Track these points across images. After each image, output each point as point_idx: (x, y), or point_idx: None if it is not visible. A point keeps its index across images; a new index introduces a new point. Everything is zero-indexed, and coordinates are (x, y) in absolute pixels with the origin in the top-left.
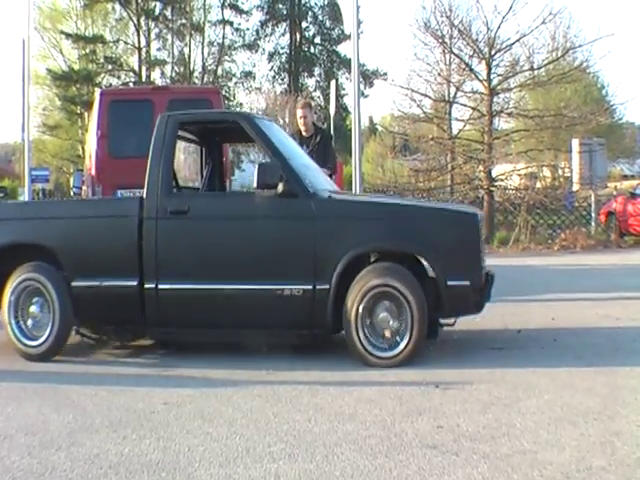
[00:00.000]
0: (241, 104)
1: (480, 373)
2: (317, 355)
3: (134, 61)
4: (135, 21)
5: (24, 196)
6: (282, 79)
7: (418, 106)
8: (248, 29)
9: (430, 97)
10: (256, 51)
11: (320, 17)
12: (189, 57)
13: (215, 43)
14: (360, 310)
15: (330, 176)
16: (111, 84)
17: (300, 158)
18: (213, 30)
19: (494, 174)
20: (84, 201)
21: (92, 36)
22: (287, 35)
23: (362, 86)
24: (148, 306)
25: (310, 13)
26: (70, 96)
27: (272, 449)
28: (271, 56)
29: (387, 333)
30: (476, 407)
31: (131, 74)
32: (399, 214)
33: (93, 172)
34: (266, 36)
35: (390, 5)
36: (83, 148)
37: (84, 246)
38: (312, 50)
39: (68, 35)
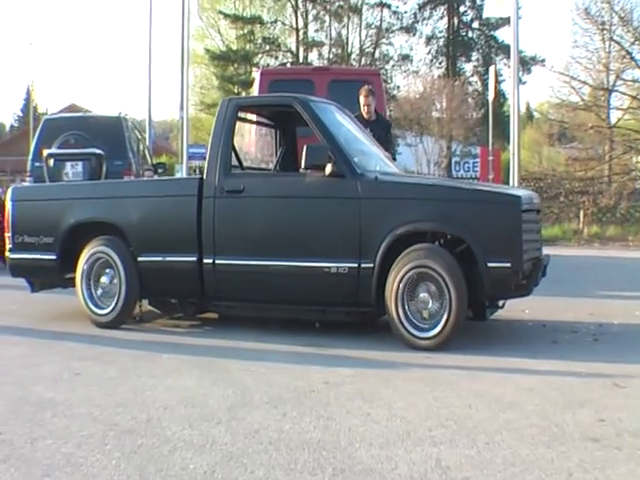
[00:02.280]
0: (398, 87)
1: None
2: (473, 340)
3: (291, 42)
4: (293, 2)
5: (181, 172)
6: (439, 63)
7: (577, 93)
8: (406, 12)
9: (589, 84)
10: (414, 34)
11: (478, 1)
12: (347, 39)
13: (372, 25)
14: (400, 290)
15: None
16: (268, 64)
17: (354, 141)
18: (371, 12)
19: None
20: (150, 181)
21: (250, 17)
22: (445, 19)
23: (520, 72)
24: (207, 280)
25: None
26: (228, 75)
27: (433, 433)
28: (429, 40)
29: (425, 314)
30: (639, 402)
31: (288, 55)
32: (442, 196)
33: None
34: (424, 19)
35: None
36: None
37: (149, 224)
38: (470, 35)
39: (226, 15)
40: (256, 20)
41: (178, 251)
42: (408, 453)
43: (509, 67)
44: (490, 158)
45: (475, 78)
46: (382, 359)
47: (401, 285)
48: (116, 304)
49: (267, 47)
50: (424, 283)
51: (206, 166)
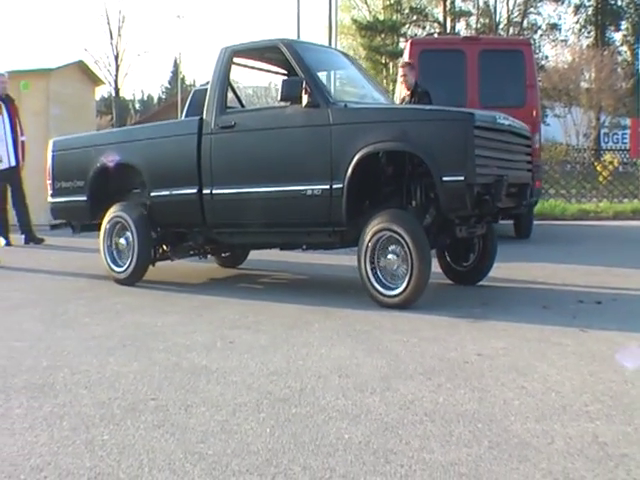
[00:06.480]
0: (546, 57)
1: None
2: (627, 316)
3: (438, 12)
4: None
5: None
6: (588, 32)
7: None
8: None
9: None
10: (562, 3)
11: None
12: (494, 9)
13: None
14: (369, 251)
15: None
16: (416, 34)
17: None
18: None
19: None
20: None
21: None
22: None
23: None
24: (207, 210)
25: None
26: (375, 46)
27: (589, 408)
28: (577, 8)
29: (392, 272)
30: None
31: (435, 25)
32: (399, 117)
33: None
34: None
35: None
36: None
37: (160, 161)
38: (619, 3)
39: None
40: None
41: (182, 185)
42: (564, 428)
43: None
44: None
45: (624, 47)
46: (535, 332)
47: (370, 245)
48: (130, 264)
49: (414, 17)
50: (391, 245)
51: (205, 107)
